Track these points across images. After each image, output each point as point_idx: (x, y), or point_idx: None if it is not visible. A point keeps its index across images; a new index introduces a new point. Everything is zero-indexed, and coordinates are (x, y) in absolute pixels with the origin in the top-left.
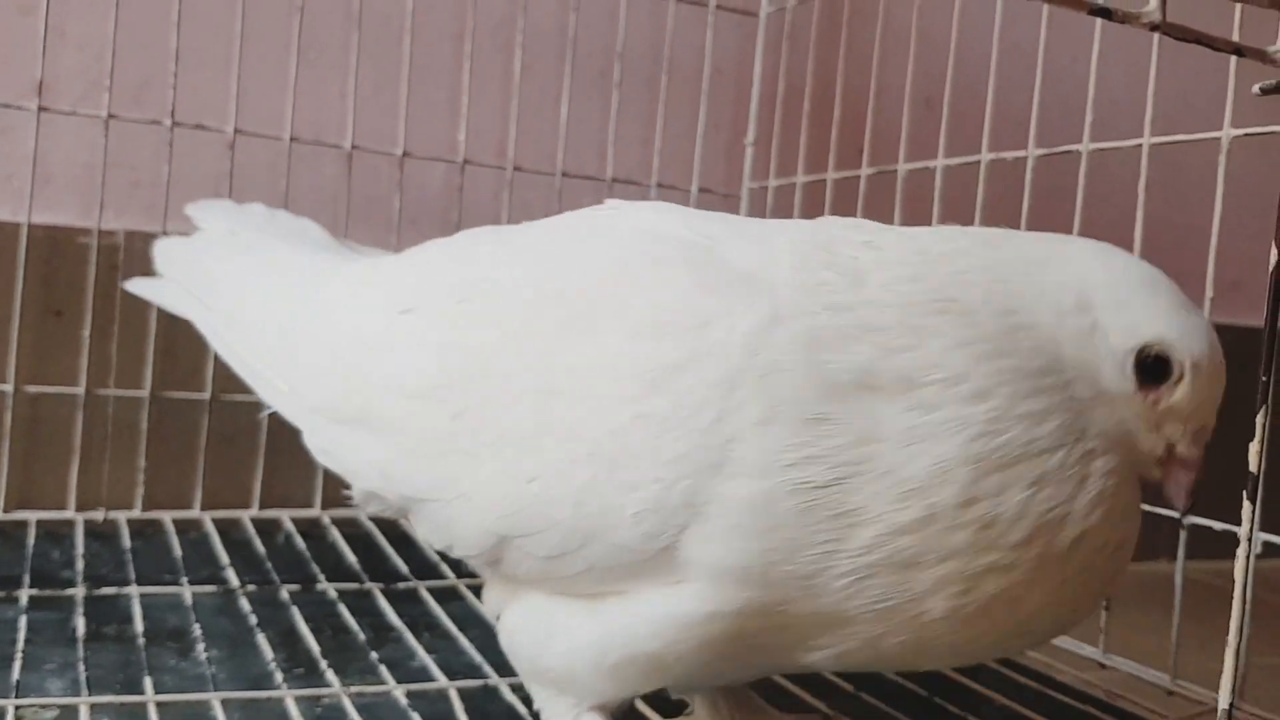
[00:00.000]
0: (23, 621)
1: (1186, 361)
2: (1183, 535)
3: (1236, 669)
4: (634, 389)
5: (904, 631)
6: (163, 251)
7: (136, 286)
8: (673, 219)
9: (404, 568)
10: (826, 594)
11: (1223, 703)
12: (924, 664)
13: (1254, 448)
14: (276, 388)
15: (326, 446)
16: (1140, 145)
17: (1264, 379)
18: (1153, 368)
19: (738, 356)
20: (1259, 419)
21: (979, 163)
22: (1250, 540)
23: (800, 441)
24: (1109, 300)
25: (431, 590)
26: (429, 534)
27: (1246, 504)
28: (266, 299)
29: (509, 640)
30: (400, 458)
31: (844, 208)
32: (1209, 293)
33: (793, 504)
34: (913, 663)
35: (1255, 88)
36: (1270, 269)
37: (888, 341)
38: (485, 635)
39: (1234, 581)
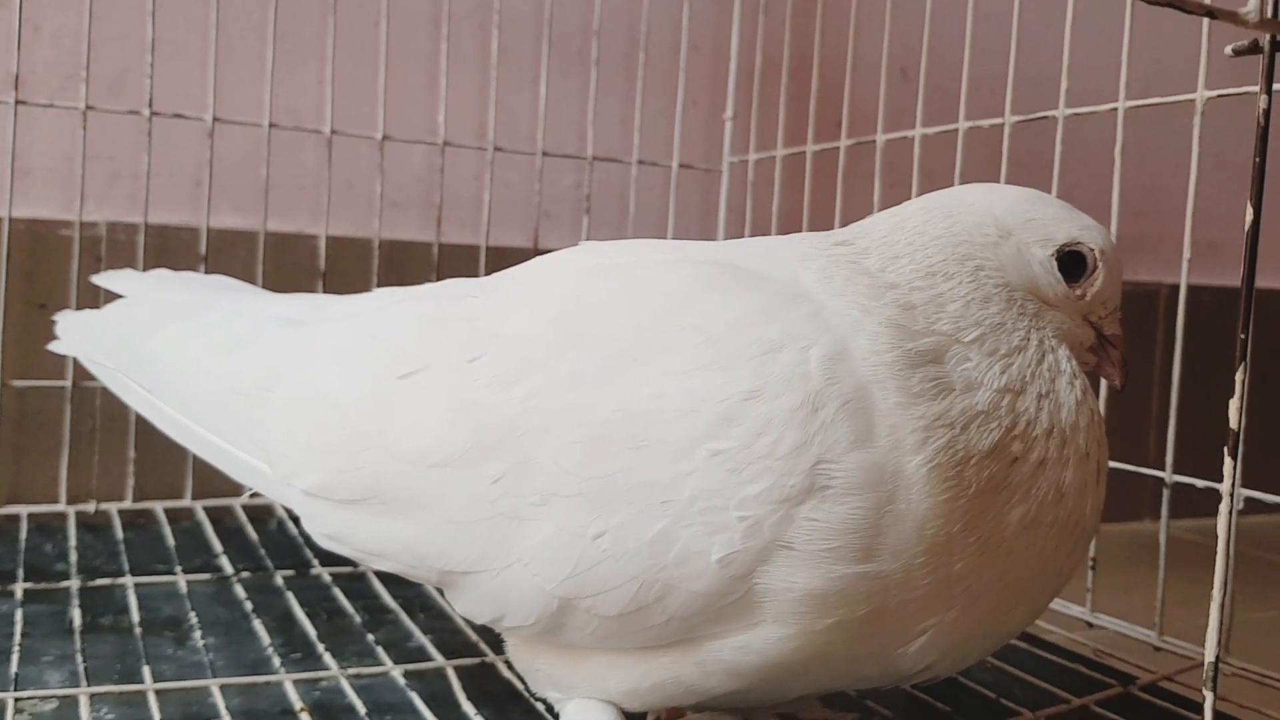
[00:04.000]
0: (19, 615)
1: (1097, 251)
2: (1166, 494)
3: (1222, 623)
4: (705, 425)
5: (994, 565)
6: (75, 327)
7: (60, 348)
8: (671, 250)
9: None
10: (948, 554)
11: (1209, 656)
12: (1009, 615)
13: (1234, 404)
14: (254, 469)
15: (334, 532)
16: (1115, 109)
17: (1242, 337)
18: (1070, 264)
19: (817, 378)
20: (1238, 376)
21: (956, 131)
22: (1233, 496)
23: (915, 424)
24: (1018, 222)
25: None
26: (473, 606)
27: (1228, 460)
28: (220, 370)
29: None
30: (433, 533)
31: (824, 179)
32: (1186, 254)
33: (917, 487)
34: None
35: (1228, 49)
36: (1246, 228)
37: (927, 317)
38: None
39: (1217, 538)
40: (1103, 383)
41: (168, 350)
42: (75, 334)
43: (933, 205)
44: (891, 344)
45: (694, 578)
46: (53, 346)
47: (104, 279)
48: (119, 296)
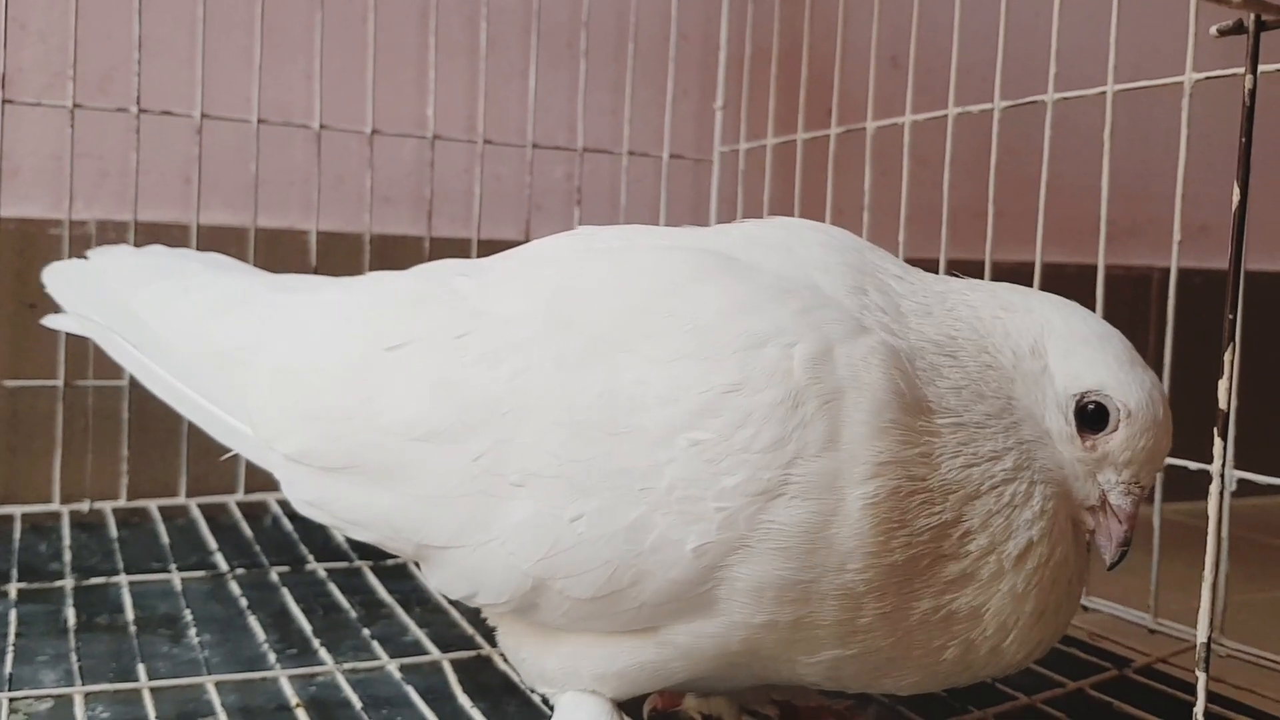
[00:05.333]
0: (13, 615)
1: (1123, 410)
2: (1159, 477)
3: (1214, 604)
4: (685, 415)
5: (892, 637)
6: (62, 276)
7: (53, 322)
8: (672, 234)
9: None
10: (857, 607)
11: (1201, 637)
12: (897, 677)
13: (1223, 385)
14: (235, 430)
15: (314, 498)
16: (1104, 93)
17: (1230, 317)
18: (1092, 416)
19: (799, 375)
20: (1226, 357)
21: (946, 117)
22: (1223, 476)
23: (872, 453)
24: (1061, 348)
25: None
26: (447, 582)
27: (1218, 440)
28: (207, 329)
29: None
30: (412, 506)
31: (814, 167)
32: (1176, 236)
33: (853, 518)
34: (893, 675)
35: (1212, 29)
36: (1233, 209)
37: (923, 375)
38: (476, 609)
39: (1209, 518)
40: None
41: (156, 306)
42: (66, 290)
43: (1001, 293)
44: (883, 367)
45: (668, 566)
46: (47, 320)
47: (98, 254)
48: None
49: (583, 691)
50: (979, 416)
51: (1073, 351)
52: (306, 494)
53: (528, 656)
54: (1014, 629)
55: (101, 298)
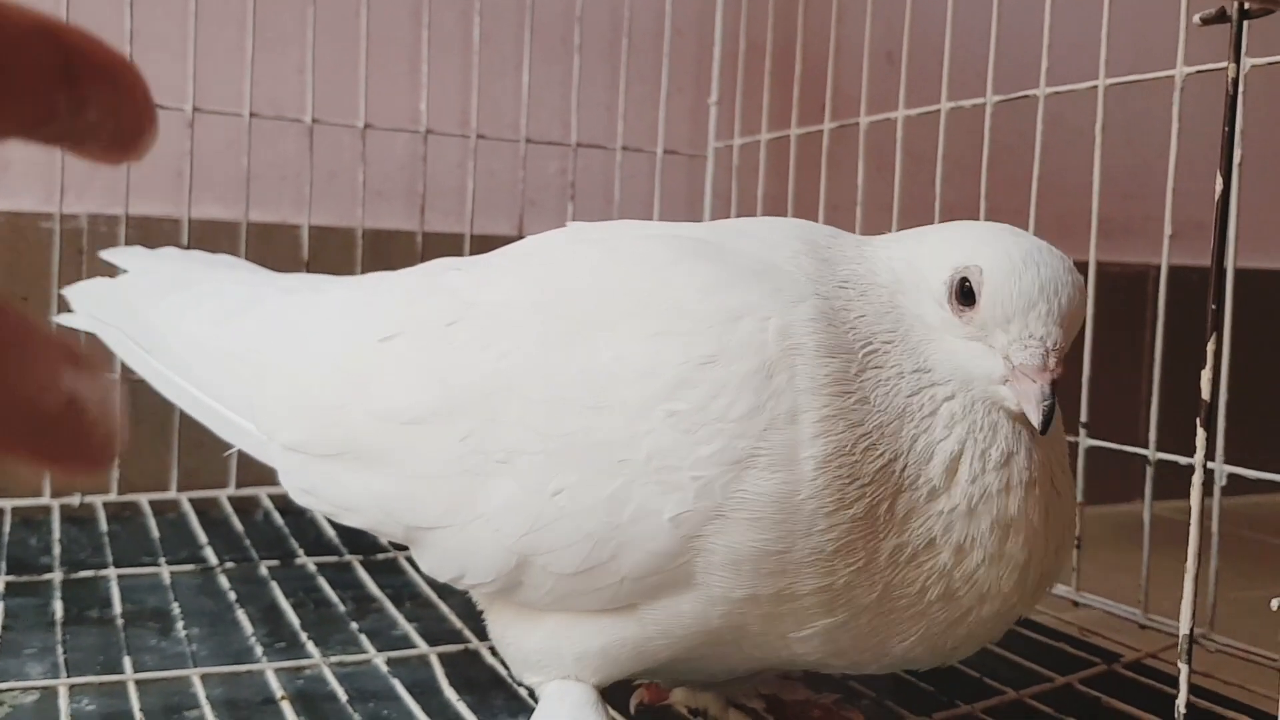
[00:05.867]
0: (0, 608)
1: (983, 269)
2: (1149, 471)
3: (1197, 596)
4: (662, 387)
5: (873, 593)
6: (85, 294)
7: (67, 320)
8: (656, 227)
9: (382, 539)
10: (831, 570)
11: (1183, 629)
12: (899, 641)
13: (1205, 375)
14: (240, 428)
15: (310, 485)
16: (1096, 87)
17: (1213, 307)
18: (961, 291)
19: (773, 347)
20: (1210, 346)
21: (939, 112)
22: (1204, 467)
23: (817, 414)
24: (932, 251)
25: (411, 560)
26: (436, 564)
27: (1200, 430)
28: (217, 334)
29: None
30: (402, 488)
31: (808, 163)
32: (1168, 230)
33: (808, 480)
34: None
35: (1196, 18)
36: (1216, 197)
37: (847, 320)
38: (465, 602)
39: (1192, 509)
40: (1084, 373)
41: (172, 318)
42: (82, 300)
43: (927, 230)
44: (815, 327)
45: (647, 537)
46: (61, 319)
47: (113, 254)
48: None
49: (567, 680)
50: (879, 344)
51: (941, 249)
52: (303, 482)
53: (513, 640)
54: (975, 549)
55: (117, 309)
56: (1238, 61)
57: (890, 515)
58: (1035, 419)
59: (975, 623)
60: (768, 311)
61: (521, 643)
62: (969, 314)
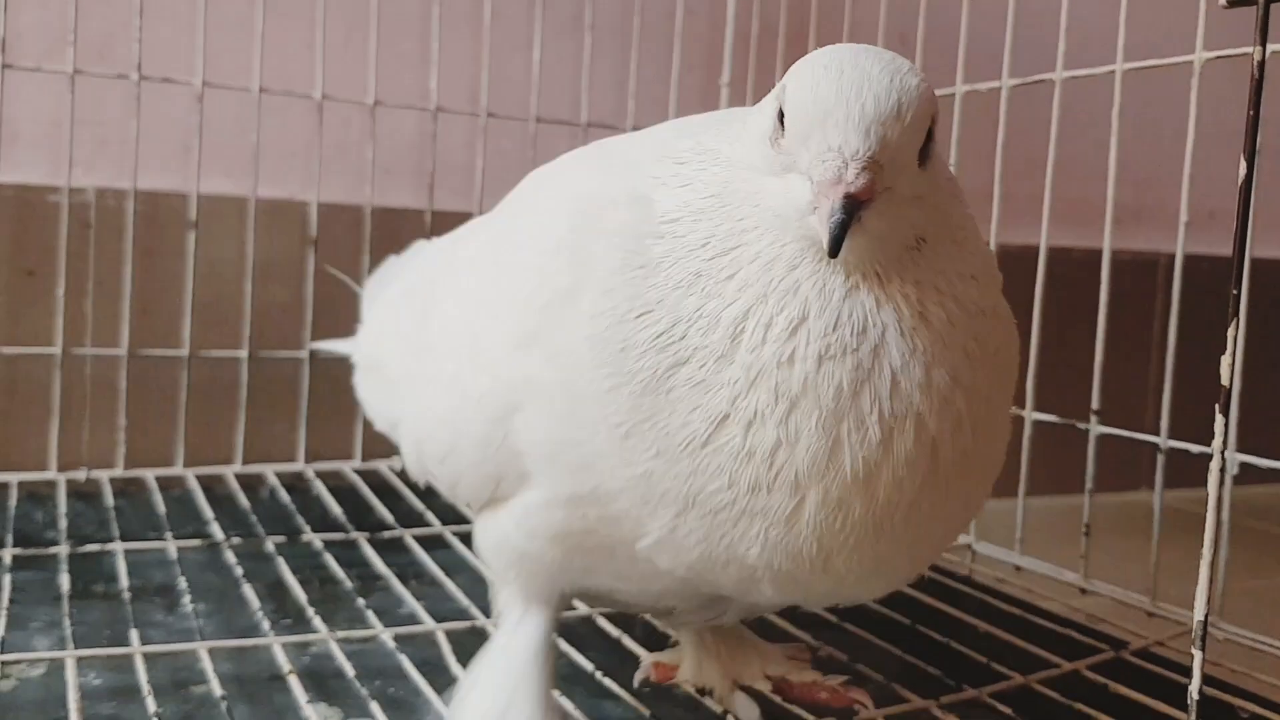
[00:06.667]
0: (7, 580)
1: (788, 84)
2: (1160, 459)
3: (1213, 582)
4: (491, 277)
5: (686, 482)
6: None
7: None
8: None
9: (389, 517)
10: (632, 463)
11: (1198, 614)
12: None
13: (1225, 361)
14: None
15: (359, 387)
16: (1113, 72)
17: (1235, 293)
18: (781, 118)
19: (563, 227)
20: (1230, 332)
21: (954, 95)
22: (1223, 453)
23: (605, 291)
24: (770, 95)
25: (418, 538)
26: (406, 457)
27: (1219, 417)
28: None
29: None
30: (393, 391)
31: None
32: (1184, 216)
33: (597, 363)
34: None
35: (1220, 0)
36: (1239, 183)
37: (661, 195)
38: (472, 580)
39: (1209, 495)
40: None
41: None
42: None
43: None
44: (617, 208)
45: (469, 420)
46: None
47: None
48: None
49: (521, 616)
50: (693, 210)
51: (769, 104)
52: (358, 388)
53: (476, 545)
54: (764, 426)
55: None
56: (1263, 44)
57: (670, 389)
58: (823, 240)
59: (819, 527)
60: (575, 196)
61: (478, 549)
62: (781, 142)
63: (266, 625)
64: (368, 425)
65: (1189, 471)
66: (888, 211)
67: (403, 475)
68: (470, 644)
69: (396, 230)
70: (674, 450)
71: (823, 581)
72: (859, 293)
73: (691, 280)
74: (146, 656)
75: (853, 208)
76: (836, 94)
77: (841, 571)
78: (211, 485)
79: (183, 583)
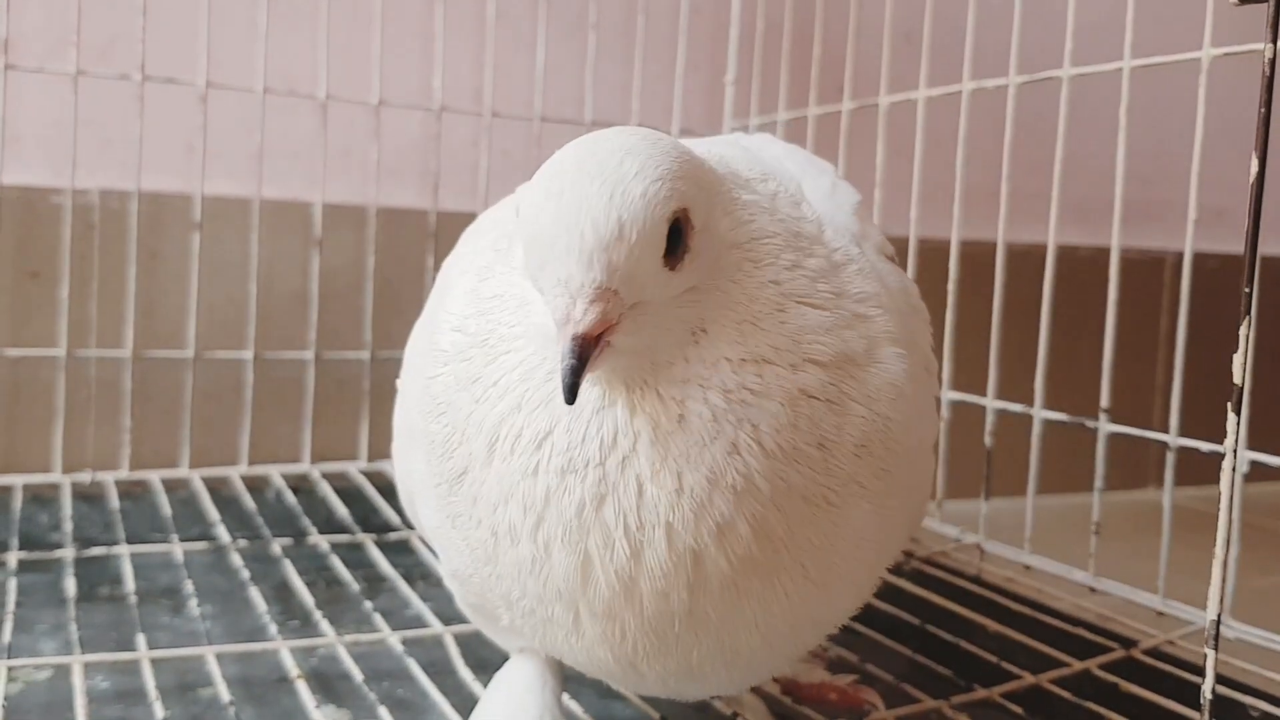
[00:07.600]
0: (12, 584)
1: (520, 206)
2: (1170, 457)
3: (1224, 581)
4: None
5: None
6: None
7: None
8: None
9: (395, 519)
10: (459, 551)
11: (1211, 614)
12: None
13: (1237, 359)
14: None
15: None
16: (1121, 69)
17: (1246, 291)
18: None
19: (435, 306)
20: (1241, 331)
21: (960, 93)
22: (1236, 452)
23: (430, 379)
24: None
25: (423, 540)
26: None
27: (1231, 415)
28: None
29: None
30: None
31: (826, 143)
32: (1192, 214)
33: (430, 468)
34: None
35: None
36: (1251, 179)
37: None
38: None
39: (1222, 493)
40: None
41: None
42: None
43: None
44: (464, 293)
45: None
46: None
47: None
48: None
49: (522, 654)
50: (482, 309)
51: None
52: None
53: None
54: (517, 540)
55: None
56: (1275, 41)
57: (456, 489)
58: (564, 386)
59: (604, 638)
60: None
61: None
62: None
63: (273, 628)
64: (373, 426)
65: (1199, 470)
66: (643, 325)
67: None
68: (478, 647)
69: (401, 230)
70: (476, 553)
71: (661, 685)
72: (614, 404)
73: (469, 383)
74: (154, 661)
75: (585, 350)
76: (555, 222)
77: (662, 675)
78: (217, 487)
79: (189, 585)
